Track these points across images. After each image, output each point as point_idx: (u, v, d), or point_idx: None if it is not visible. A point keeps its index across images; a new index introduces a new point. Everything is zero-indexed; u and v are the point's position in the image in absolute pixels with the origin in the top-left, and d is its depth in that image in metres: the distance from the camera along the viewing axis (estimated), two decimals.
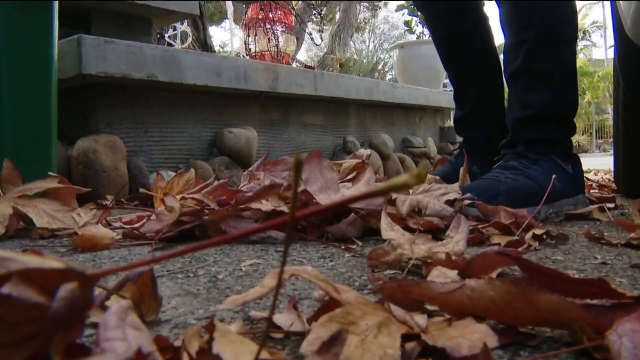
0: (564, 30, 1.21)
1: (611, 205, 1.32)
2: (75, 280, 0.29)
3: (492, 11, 1.75)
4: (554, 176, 1.03)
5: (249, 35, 5.15)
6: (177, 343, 0.36)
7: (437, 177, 1.19)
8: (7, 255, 0.29)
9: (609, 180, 2.29)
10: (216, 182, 1.17)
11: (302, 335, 0.41)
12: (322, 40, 7.85)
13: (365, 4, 11.03)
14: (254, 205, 0.92)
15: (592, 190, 1.88)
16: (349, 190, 0.95)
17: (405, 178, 0.22)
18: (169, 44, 4.05)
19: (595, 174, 3.06)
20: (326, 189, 0.90)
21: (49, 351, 0.28)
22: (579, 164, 1.25)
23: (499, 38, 2.23)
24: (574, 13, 1.25)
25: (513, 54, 1.23)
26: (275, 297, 0.30)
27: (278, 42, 5.19)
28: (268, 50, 5.13)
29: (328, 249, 0.87)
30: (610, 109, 18.50)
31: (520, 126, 1.22)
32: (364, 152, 1.14)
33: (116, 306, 0.33)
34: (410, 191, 0.99)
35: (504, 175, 1.14)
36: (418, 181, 0.22)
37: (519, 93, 1.23)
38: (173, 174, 1.99)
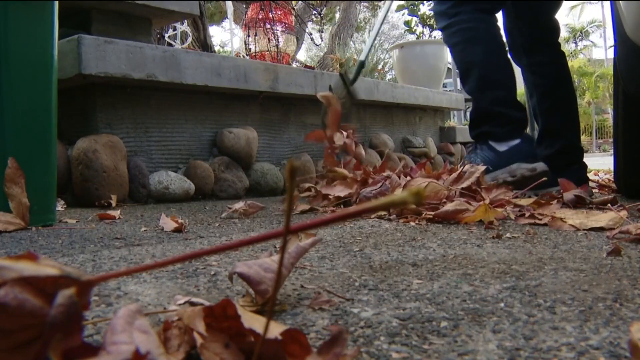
0: (466, 65, 1.81)
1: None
2: (71, 286, 0.29)
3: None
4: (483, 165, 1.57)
5: (249, 35, 5.14)
6: (175, 341, 0.36)
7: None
8: (2, 263, 0.29)
9: (609, 180, 2.29)
10: None
11: None
12: (322, 40, 7.84)
13: (365, 4, 11.01)
14: None
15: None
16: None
17: (404, 195, 0.23)
18: (169, 44, 4.04)
19: (596, 174, 3.07)
20: None
21: (48, 356, 0.28)
22: (522, 140, 1.71)
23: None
24: (471, 67, 1.80)
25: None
26: (274, 296, 0.30)
27: (278, 42, 5.19)
28: (268, 50, 5.13)
29: (328, 250, 0.87)
30: (610, 109, 18.50)
31: (469, 131, 1.88)
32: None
33: (124, 310, 0.33)
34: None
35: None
36: (416, 199, 0.23)
37: None
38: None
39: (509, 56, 1.82)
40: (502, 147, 1.72)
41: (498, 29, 1.82)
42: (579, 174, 1.78)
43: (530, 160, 1.64)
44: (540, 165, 1.63)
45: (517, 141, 1.72)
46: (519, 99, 1.89)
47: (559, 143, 1.88)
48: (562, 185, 1.50)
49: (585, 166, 1.90)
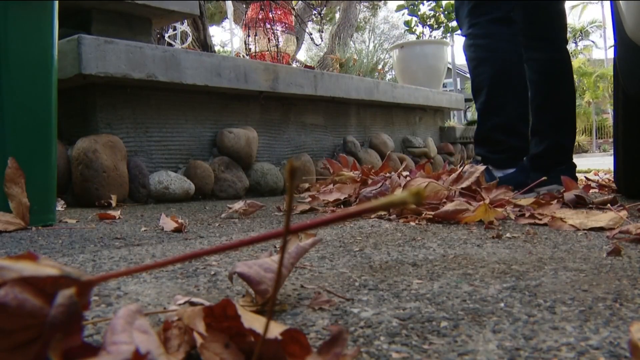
0: (476, 85, 1.81)
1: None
2: (71, 286, 0.29)
3: None
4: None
5: (249, 35, 5.14)
6: (176, 341, 0.36)
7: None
8: (2, 263, 0.29)
9: (609, 180, 2.29)
10: None
11: None
12: (322, 40, 7.84)
13: (365, 3, 11.02)
14: None
15: (592, 190, 1.88)
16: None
17: (404, 195, 0.23)
18: (169, 44, 4.04)
19: (596, 174, 3.07)
20: None
21: (48, 356, 0.28)
22: (517, 170, 1.74)
23: None
24: (481, 87, 1.80)
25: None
26: (274, 296, 0.30)
27: (278, 42, 5.19)
28: (268, 50, 5.13)
29: (328, 250, 0.87)
30: (610, 109, 18.52)
31: (474, 146, 1.92)
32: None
33: (124, 310, 0.33)
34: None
35: None
36: (416, 199, 0.23)
37: None
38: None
39: (521, 76, 1.79)
40: (498, 173, 1.75)
41: (514, 42, 1.78)
42: (566, 175, 1.78)
43: (518, 189, 1.65)
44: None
45: (511, 170, 1.74)
46: None
47: (546, 142, 1.86)
48: (564, 183, 1.50)
49: (574, 167, 1.88)
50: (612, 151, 1.79)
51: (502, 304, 0.52)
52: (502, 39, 1.77)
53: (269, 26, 5.10)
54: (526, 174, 1.75)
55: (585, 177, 2.47)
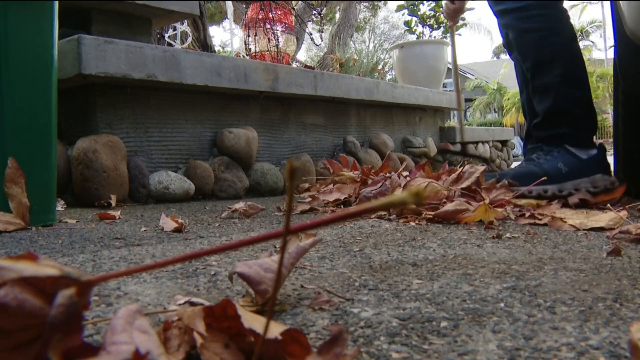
0: (545, 57, 1.62)
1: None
2: (71, 286, 0.29)
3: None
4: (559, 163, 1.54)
5: (249, 35, 5.15)
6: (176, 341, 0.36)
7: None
8: (2, 263, 0.29)
9: None
10: None
11: None
12: (322, 40, 7.84)
13: (365, 3, 11.03)
14: None
15: None
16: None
17: (404, 195, 0.23)
18: (169, 44, 4.05)
19: None
20: None
21: (48, 356, 0.28)
22: (600, 151, 1.59)
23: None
24: (552, 58, 1.62)
25: (527, 77, 1.71)
26: (274, 296, 0.30)
27: (278, 42, 5.19)
28: (268, 50, 5.14)
29: (328, 250, 0.87)
30: (610, 109, 18.51)
31: (536, 129, 1.68)
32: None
33: (124, 310, 0.33)
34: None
35: (520, 164, 1.65)
36: (416, 199, 0.23)
37: (535, 105, 1.69)
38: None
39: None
40: (582, 155, 1.58)
41: (566, 18, 1.67)
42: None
43: (608, 172, 1.55)
44: (616, 180, 1.55)
45: (594, 151, 1.59)
46: (514, 97, 1.87)
47: None
48: None
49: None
50: (612, 151, 1.80)
51: (502, 304, 0.52)
52: (566, 15, 1.67)
53: (269, 26, 5.11)
54: (606, 155, 1.61)
55: None
